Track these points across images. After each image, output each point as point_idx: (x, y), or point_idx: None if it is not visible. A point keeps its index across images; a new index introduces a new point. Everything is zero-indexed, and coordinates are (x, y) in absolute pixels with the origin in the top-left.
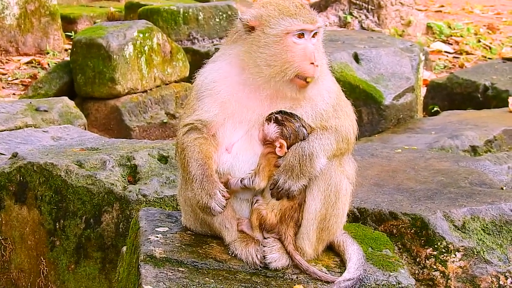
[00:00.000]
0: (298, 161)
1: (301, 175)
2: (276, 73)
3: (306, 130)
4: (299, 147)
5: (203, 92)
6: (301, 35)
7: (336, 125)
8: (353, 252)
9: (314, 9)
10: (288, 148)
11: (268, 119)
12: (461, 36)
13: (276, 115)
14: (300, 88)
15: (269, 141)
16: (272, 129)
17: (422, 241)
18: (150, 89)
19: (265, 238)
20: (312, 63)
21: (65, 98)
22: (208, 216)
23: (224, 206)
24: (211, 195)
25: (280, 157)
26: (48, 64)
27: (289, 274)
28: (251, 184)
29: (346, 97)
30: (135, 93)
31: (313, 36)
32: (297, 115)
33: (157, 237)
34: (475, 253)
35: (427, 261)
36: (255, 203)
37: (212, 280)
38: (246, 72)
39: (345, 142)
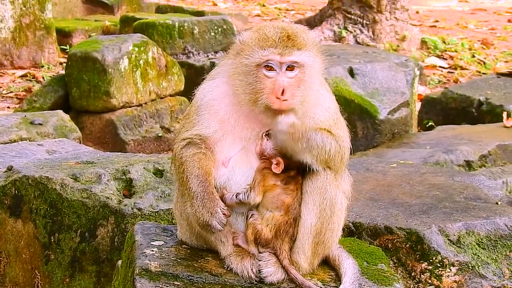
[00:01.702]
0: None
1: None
2: (251, 101)
3: None
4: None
5: (202, 110)
6: (271, 68)
7: (337, 134)
8: (348, 267)
9: (304, 34)
10: (285, 166)
11: (268, 135)
12: (456, 51)
13: None
14: (276, 116)
15: (266, 157)
16: (270, 146)
17: (417, 256)
18: (145, 103)
19: (260, 253)
20: (278, 98)
21: (60, 112)
22: (208, 233)
23: (224, 224)
24: (212, 213)
25: (275, 174)
26: (43, 78)
27: None
28: (246, 199)
29: (340, 112)
30: (130, 106)
31: (289, 69)
32: None
33: (152, 251)
34: (470, 267)
35: (422, 275)
36: (250, 217)
37: None
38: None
39: (340, 155)
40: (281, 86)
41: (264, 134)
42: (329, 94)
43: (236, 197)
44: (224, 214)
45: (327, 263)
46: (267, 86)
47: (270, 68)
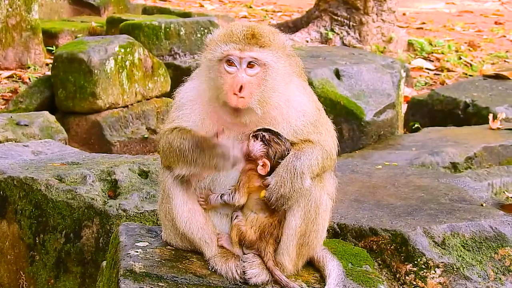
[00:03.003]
0: (290, 178)
1: (292, 192)
2: (214, 97)
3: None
4: (291, 165)
5: (182, 110)
6: (231, 63)
7: (319, 140)
8: (333, 268)
9: (285, 31)
10: (271, 168)
11: (255, 136)
12: (442, 53)
13: (263, 133)
14: (235, 115)
15: (252, 158)
16: (258, 147)
17: (402, 257)
18: (131, 104)
19: (245, 254)
20: (235, 94)
21: (46, 113)
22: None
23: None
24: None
25: (261, 175)
26: (29, 79)
27: None
28: (231, 200)
29: (326, 113)
30: (116, 108)
31: (250, 66)
32: (284, 137)
33: (137, 252)
34: (455, 269)
35: (407, 277)
36: (234, 218)
37: None
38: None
39: (329, 159)
40: (239, 82)
41: (251, 135)
42: (305, 97)
43: (220, 198)
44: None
45: (311, 265)
46: (227, 82)
47: (231, 63)
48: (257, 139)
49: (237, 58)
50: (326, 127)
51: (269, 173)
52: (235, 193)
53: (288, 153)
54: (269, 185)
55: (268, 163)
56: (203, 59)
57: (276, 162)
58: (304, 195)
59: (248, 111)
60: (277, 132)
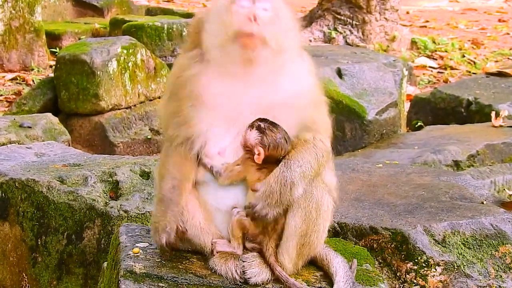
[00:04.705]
0: (279, 189)
1: (280, 203)
2: (222, 40)
3: (287, 144)
4: (281, 175)
5: (181, 94)
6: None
7: (314, 136)
8: (339, 265)
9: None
10: (265, 157)
11: (251, 126)
12: (446, 51)
13: (259, 123)
14: (246, 50)
15: (249, 148)
16: (253, 136)
17: (403, 256)
18: (134, 105)
19: (245, 248)
20: (250, 19)
21: (49, 115)
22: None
23: (170, 245)
24: (165, 227)
25: (261, 168)
26: (33, 81)
27: None
28: (217, 175)
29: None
30: (119, 109)
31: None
32: (280, 126)
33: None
34: (456, 267)
35: (407, 275)
36: (235, 214)
37: None
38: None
39: (324, 156)
40: (253, 11)
41: (248, 126)
42: (307, 64)
43: (210, 167)
44: (181, 230)
45: (312, 264)
46: (241, 14)
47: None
48: (253, 128)
49: (251, 1)
50: (322, 109)
51: (269, 167)
52: (223, 170)
53: (284, 143)
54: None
55: (262, 151)
56: (209, 13)
57: (271, 153)
58: (306, 194)
59: (261, 44)
60: (273, 122)
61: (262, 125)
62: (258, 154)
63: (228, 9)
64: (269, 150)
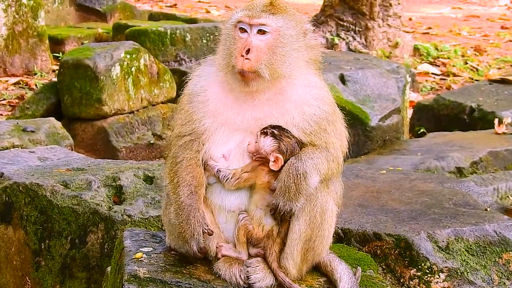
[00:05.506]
0: (294, 181)
1: (299, 194)
2: (226, 64)
3: (299, 148)
4: (293, 167)
5: (193, 100)
6: (243, 30)
7: (326, 142)
8: (343, 272)
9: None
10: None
11: (264, 133)
12: (448, 58)
13: (272, 130)
14: (244, 82)
15: (261, 155)
16: (269, 143)
17: (406, 262)
18: (137, 110)
19: (250, 255)
20: (242, 56)
21: (52, 119)
22: (183, 247)
23: (201, 249)
24: (193, 233)
25: (271, 171)
26: (36, 85)
27: None
28: (224, 180)
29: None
30: (122, 114)
31: (261, 33)
32: (291, 132)
33: (141, 257)
34: (459, 274)
35: (411, 282)
36: (241, 220)
37: None
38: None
39: (335, 162)
40: (247, 45)
41: (259, 132)
42: (321, 83)
43: (217, 171)
44: (207, 233)
45: (316, 270)
46: (238, 47)
47: (243, 31)
48: (267, 135)
49: (247, 25)
50: (337, 125)
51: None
52: (231, 177)
53: (298, 148)
54: (274, 190)
55: (281, 158)
56: (222, 28)
57: (288, 158)
58: (310, 199)
59: (256, 77)
60: (284, 128)
61: (276, 131)
62: (274, 161)
63: (232, 36)
64: (286, 155)
